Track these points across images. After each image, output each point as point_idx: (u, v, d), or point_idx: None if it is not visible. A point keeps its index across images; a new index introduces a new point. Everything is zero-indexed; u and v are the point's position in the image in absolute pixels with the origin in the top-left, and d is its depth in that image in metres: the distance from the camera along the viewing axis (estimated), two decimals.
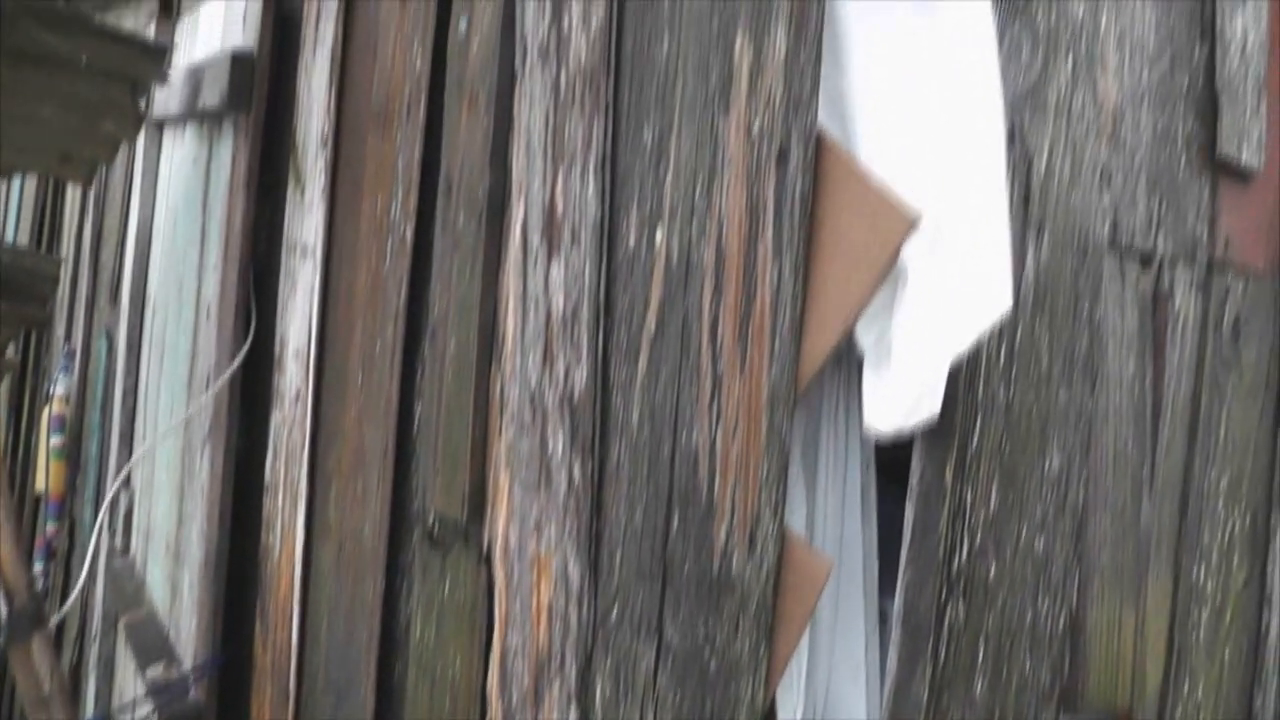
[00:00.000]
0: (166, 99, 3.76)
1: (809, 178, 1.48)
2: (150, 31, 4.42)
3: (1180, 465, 2.06)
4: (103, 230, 5.19)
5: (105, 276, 5.08)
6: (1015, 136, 1.61)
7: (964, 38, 1.51)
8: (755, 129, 1.54)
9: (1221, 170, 2.10)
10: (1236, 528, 2.20)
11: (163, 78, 3.52)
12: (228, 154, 3.25)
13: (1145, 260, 1.93)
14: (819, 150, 1.49)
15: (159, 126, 4.13)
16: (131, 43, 3.56)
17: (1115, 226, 1.84)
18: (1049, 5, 1.69)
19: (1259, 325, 2.24)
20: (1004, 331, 1.59)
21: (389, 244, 2.38)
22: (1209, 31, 2.05)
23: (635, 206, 1.73)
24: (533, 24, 1.95)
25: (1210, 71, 2.05)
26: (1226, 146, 2.07)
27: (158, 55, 3.50)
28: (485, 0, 2.06)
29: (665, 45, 1.69)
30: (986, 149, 1.50)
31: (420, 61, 2.29)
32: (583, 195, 1.80)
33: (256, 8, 3.05)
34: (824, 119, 1.51)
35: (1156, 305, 1.97)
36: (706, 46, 1.62)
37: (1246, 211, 2.19)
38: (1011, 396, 1.64)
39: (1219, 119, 2.05)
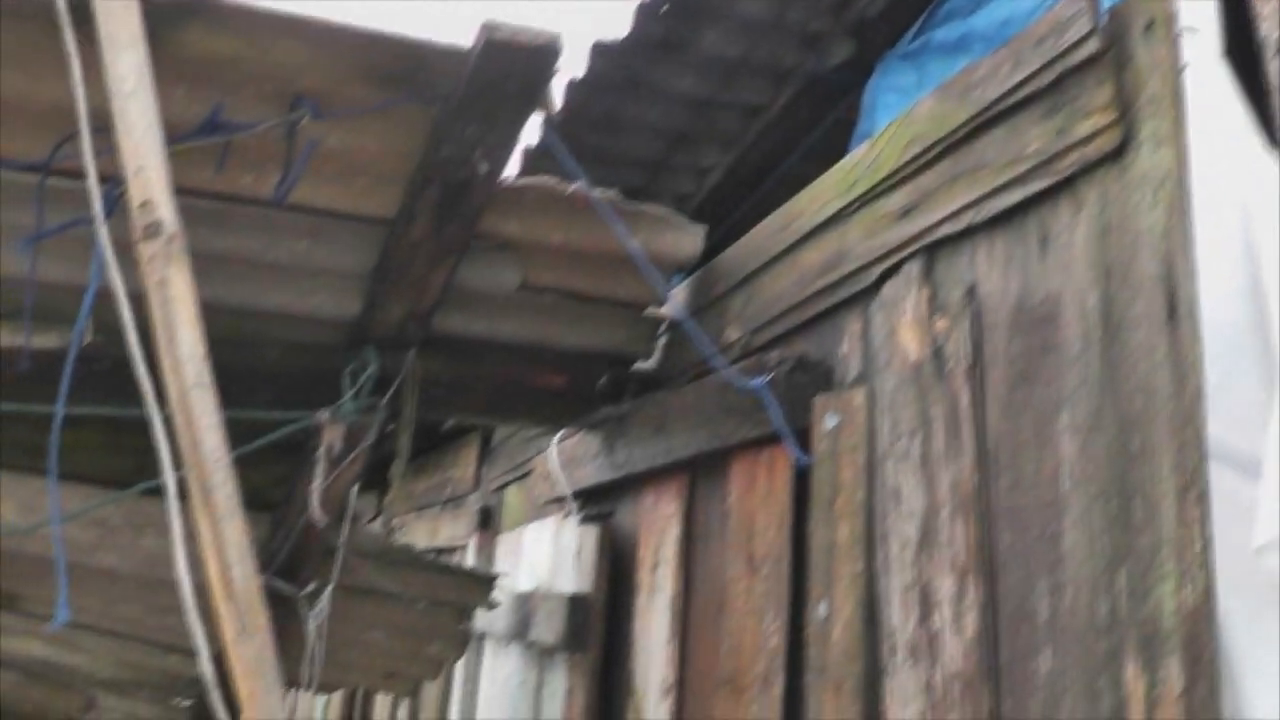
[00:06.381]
0: (490, 617, 4.04)
1: None
2: (470, 544, 4.80)
3: None
4: None
5: None
6: None
7: None
8: None
9: None
10: None
11: (490, 605, 3.81)
12: (560, 685, 3.45)
13: None
14: None
15: (480, 638, 4.41)
16: (461, 574, 3.89)
17: None
18: None
19: None
20: None
21: None
22: None
23: None
24: (899, 620, 2.09)
25: None
26: None
27: (486, 584, 3.80)
28: (846, 588, 2.23)
29: (1046, 662, 1.80)
30: None
31: (775, 638, 2.46)
32: None
33: (590, 552, 3.32)
34: None
35: None
36: (1093, 670, 1.72)
37: None
38: None
39: None
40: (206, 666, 1.80)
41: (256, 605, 1.83)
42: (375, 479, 5.78)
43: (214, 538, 1.82)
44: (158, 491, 3.10)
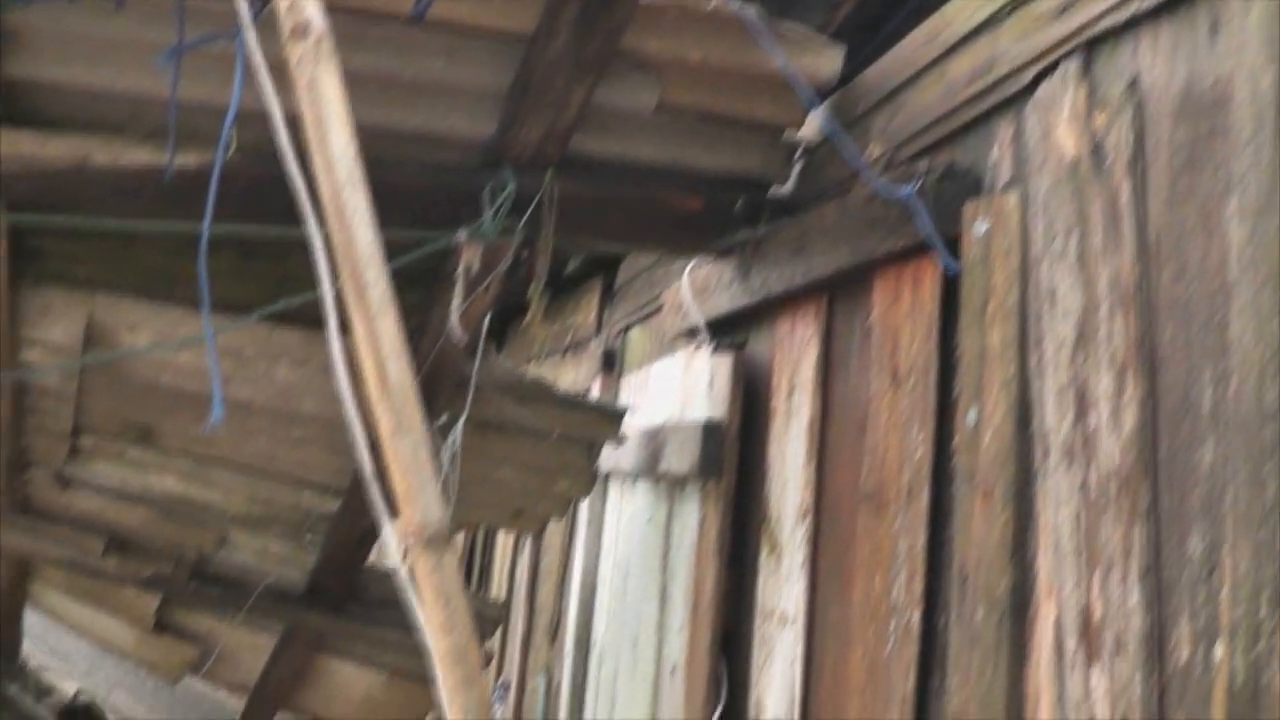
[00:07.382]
0: (616, 456, 4.11)
1: None
2: (593, 388, 4.87)
3: None
4: (539, 570, 5.61)
5: (542, 617, 5.47)
6: None
7: None
8: None
9: None
10: None
11: (619, 440, 3.88)
12: (691, 518, 3.52)
13: None
14: None
15: (604, 478, 4.49)
16: (590, 409, 3.96)
17: None
18: None
19: None
20: None
21: (891, 627, 2.54)
22: None
23: (1186, 619, 1.82)
24: (1053, 421, 2.11)
25: None
26: None
27: (615, 419, 3.87)
28: (997, 393, 2.25)
29: (1208, 454, 1.81)
30: None
31: (921, 449, 2.49)
32: (1124, 603, 1.91)
33: (724, 380, 3.36)
34: None
35: None
36: (1258, 458, 1.73)
37: None
38: None
39: None
40: (365, 461, 1.85)
41: (412, 401, 1.86)
42: (495, 327, 5.87)
43: (368, 334, 1.84)
44: (293, 319, 3.20)
